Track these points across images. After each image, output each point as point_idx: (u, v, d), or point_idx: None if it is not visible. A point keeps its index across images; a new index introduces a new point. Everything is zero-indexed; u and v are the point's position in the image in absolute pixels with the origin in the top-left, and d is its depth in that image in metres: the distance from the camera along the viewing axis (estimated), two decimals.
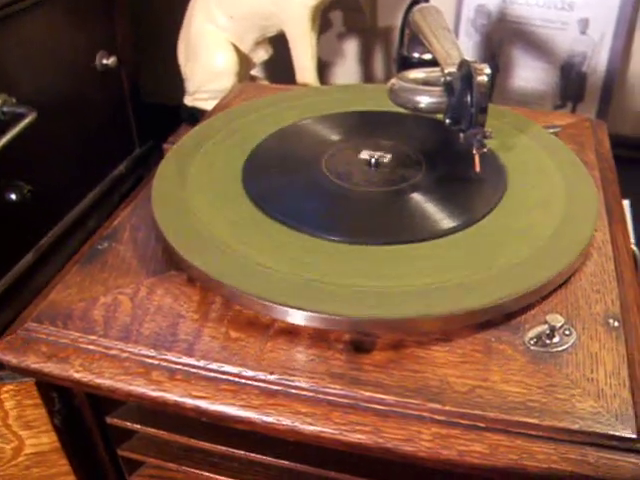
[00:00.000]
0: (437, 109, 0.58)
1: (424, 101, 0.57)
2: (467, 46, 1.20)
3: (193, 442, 0.55)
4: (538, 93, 1.21)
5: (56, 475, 0.58)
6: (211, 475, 0.58)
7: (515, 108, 0.77)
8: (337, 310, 0.46)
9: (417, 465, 0.45)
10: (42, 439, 0.55)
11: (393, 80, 0.60)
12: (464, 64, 0.56)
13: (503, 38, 1.19)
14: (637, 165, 1.24)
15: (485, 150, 0.56)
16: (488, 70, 0.54)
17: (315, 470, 0.53)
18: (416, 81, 0.59)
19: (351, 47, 1.30)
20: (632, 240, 1.05)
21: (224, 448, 0.54)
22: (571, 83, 1.19)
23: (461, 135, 0.57)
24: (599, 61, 1.16)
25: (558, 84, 1.20)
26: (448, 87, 0.57)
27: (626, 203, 1.15)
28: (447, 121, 0.58)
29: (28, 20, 0.85)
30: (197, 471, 0.58)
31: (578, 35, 1.15)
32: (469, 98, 0.55)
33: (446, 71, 0.58)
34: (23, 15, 0.84)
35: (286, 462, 0.53)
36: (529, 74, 1.20)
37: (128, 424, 0.56)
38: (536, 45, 1.17)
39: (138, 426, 0.56)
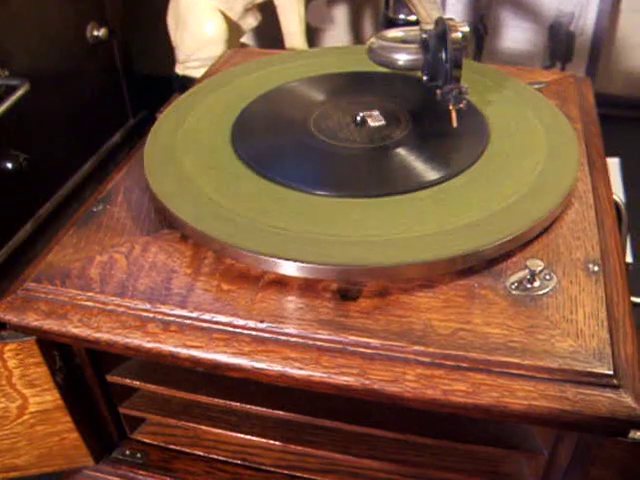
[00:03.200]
0: (414, 66, 0.59)
1: (401, 58, 0.59)
2: (456, 8, 1.21)
3: (191, 396, 0.57)
4: (527, 54, 1.22)
5: (60, 432, 0.59)
6: (209, 429, 0.60)
7: (501, 66, 0.78)
8: (325, 259, 0.48)
9: (407, 409, 0.47)
10: (45, 397, 0.56)
11: (372, 39, 0.61)
12: (440, 22, 0.57)
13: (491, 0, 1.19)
14: (627, 124, 1.25)
15: (462, 106, 0.57)
16: (466, 28, 0.55)
17: (310, 419, 0.55)
18: (395, 40, 0.61)
19: (341, 12, 1.31)
20: (621, 196, 1.07)
21: (221, 401, 0.56)
22: (559, 43, 1.20)
23: (438, 91, 0.58)
24: (587, 21, 1.17)
25: (547, 44, 1.21)
26: (424, 44, 0.58)
27: (616, 161, 1.16)
28: (424, 78, 0.59)
29: None
30: (196, 425, 0.60)
31: None
32: (444, 54, 0.56)
33: (423, 29, 0.59)
34: None
35: (281, 412, 0.55)
36: (518, 35, 1.21)
37: (128, 381, 0.58)
38: (524, 6, 1.18)
39: (137, 383, 0.58)
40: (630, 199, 1.09)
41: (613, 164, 1.15)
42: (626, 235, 0.71)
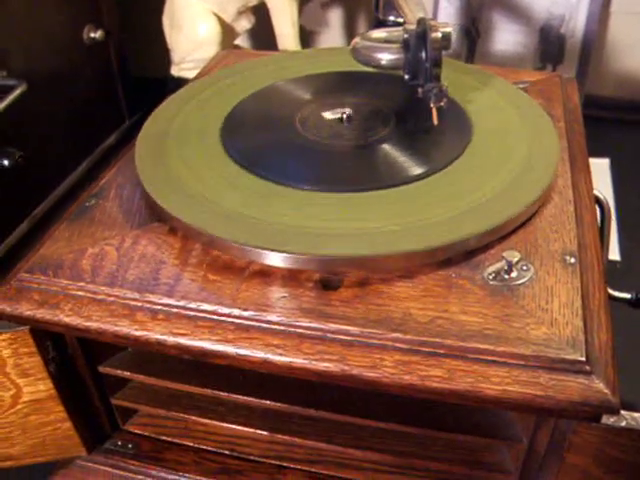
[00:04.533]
0: (396, 65, 0.60)
1: (383, 58, 0.61)
2: (448, 11, 1.22)
3: (181, 386, 0.58)
4: (518, 56, 1.24)
5: (53, 422, 0.60)
6: (199, 419, 0.62)
7: (487, 67, 0.79)
8: (308, 251, 0.49)
9: (391, 399, 0.49)
10: (39, 386, 0.57)
11: (356, 39, 0.63)
12: (421, 22, 0.59)
13: (483, 3, 1.21)
14: (618, 125, 1.27)
15: (442, 104, 0.59)
16: (448, 29, 0.57)
17: (296, 409, 0.56)
18: (378, 40, 0.62)
19: (335, 15, 1.33)
20: (611, 196, 1.08)
21: (210, 391, 0.57)
22: (550, 45, 1.21)
23: (419, 90, 0.60)
24: (577, 23, 1.18)
25: (538, 47, 1.22)
26: (405, 44, 0.60)
27: (606, 162, 1.18)
28: (405, 77, 0.61)
29: None
30: (186, 416, 0.62)
31: None
32: (424, 54, 0.58)
33: (406, 29, 0.60)
34: None
35: (268, 402, 0.56)
36: (509, 38, 1.23)
37: (119, 372, 0.59)
38: (515, 9, 1.20)
39: (128, 374, 0.59)
40: (619, 199, 1.10)
41: (603, 165, 1.17)
42: (609, 230, 0.72)
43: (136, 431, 0.66)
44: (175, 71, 1.13)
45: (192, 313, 0.49)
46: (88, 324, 0.50)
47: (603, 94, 1.28)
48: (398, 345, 0.46)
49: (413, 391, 0.46)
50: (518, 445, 0.54)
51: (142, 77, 1.21)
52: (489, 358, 0.45)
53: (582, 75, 1.22)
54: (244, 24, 1.12)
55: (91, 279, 0.52)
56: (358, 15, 1.31)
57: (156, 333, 0.49)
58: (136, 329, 0.49)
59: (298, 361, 0.47)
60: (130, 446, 0.65)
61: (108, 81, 1.13)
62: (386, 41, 0.62)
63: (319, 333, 0.47)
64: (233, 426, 0.61)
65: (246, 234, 0.51)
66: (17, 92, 0.82)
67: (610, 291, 0.71)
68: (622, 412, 0.46)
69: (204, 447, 0.64)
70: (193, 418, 0.62)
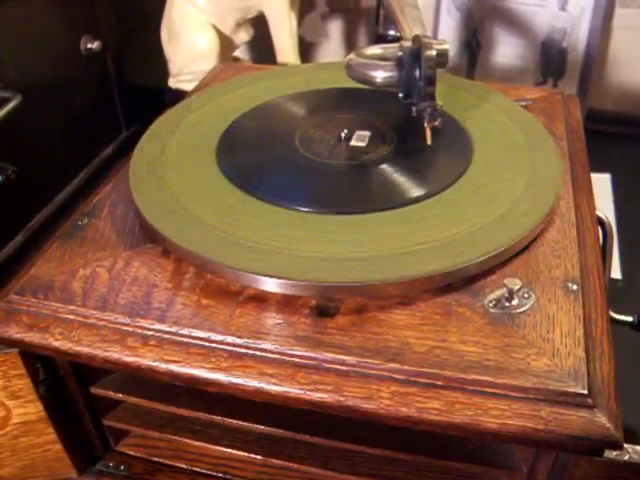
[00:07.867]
0: (390, 83, 0.59)
1: (377, 75, 0.59)
2: (448, 24, 1.21)
3: (174, 409, 0.57)
4: (519, 69, 1.23)
5: (44, 444, 0.59)
6: (192, 442, 0.60)
7: (488, 83, 0.79)
8: (304, 276, 0.48)
9: (386, 425, 0.48)
10: (29, 409, 0.56)
11: (351, 55, 0.61)
12: (416, 39, 0.58)
13: (484, 15, 1.20)
14: (619, 140, 1.26)
15: (437, 123, 0.58)
16: (444, 46, 0.56)
17: (291, 434, 0.55)
18: (373, 57, 0.61)
19: (335, 27, 1.32)
20: (612, 213, 1.07)
21: (204, 414, 0.56)
22: (552, 59, 1.20)
23: (413, 109, 0.59)
24: (579, 37, 1.17)
25: (539, 60, 1.21)
26: (399, 61, 0.59)
27: (607, 177, 1.17)
28: (400, 95, 0.60)
29: (12, 6, 0.87)
30: (179, 438, 0.60)
31: (557, 11, 1.16)
32: (418, 72, 0.56)
33: (401, 46, 0.59)
34: (6, 1, 0.85)
35: (263, 427, 0.55)
36: (510, 51, 1.22)
37: (111, 393, 0.58)
38: (516, 22, 1.19)
39: (121, 395, 0.58)
40: (621, 215, 1.09)
41: (604, 180, 1.16)
42: (611, 251, 0.71)
43: (128, 452, 0.64)
44: (173, 83, 1.12)
45: (185, 339, 0.48)
46: (78, 349, 0.49)
47: (604, 108, 1.28)
48: (395, 376, 0.45)
49: (410, 423, 0.44)
50: (517, 474, 0.53)
51: (140, 87, 1.20)
52: (489, 390, 0.44)
53: (583, 89, 1.21)
54: (243, 36, 1.11)
55: (82, 302, 0.51)
56: (358, 27, 1.30)
57: (147, 359, 0.48)
58: (127, 355, 0.48)
59: (293, 391, 0.45)
60: (122, 467, 0.64)
61: (105, 92, 1.12)
62: (381, 58, 0.61)
63: (314, 362, 0.46)
64: (227, 449, 0.60)
65: (241, 258, 0.50)
66: (12, 104, 0.81)
67: (612, 314, 0.69)
68: (625, 445, 0.44)
69: (197, 469, 0.63)
70: (186, 440, 0.61)
